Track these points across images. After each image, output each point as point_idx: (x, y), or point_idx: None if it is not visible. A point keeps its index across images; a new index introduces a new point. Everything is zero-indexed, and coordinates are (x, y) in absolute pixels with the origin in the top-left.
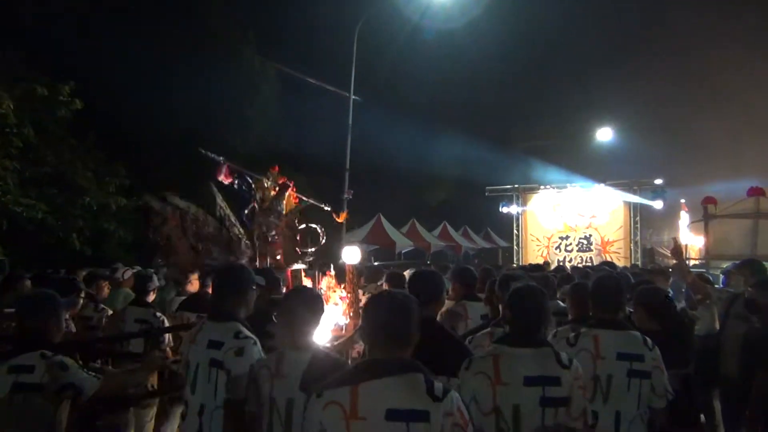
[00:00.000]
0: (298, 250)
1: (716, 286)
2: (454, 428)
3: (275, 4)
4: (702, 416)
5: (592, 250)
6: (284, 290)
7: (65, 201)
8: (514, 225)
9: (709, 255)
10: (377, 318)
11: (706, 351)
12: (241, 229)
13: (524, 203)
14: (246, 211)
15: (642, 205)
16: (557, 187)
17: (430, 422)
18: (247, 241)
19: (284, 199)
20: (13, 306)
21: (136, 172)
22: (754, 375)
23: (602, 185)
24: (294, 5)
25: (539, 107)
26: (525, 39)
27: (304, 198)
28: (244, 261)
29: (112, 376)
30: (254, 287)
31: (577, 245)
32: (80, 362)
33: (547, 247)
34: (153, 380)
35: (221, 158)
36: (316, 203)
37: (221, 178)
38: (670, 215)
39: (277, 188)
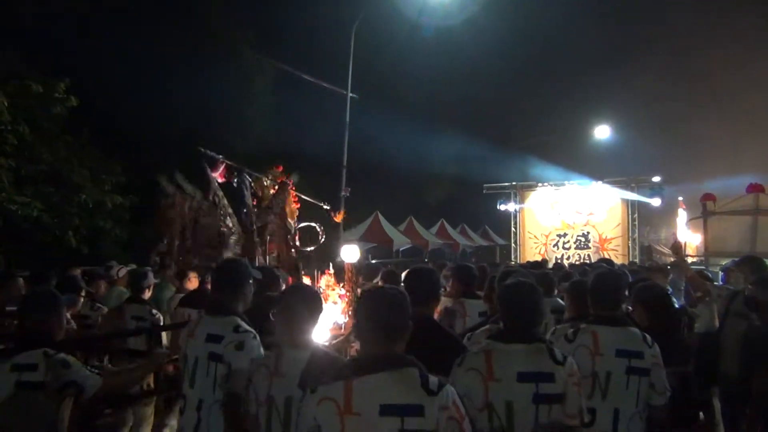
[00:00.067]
0: (293, 250)
1: (715, 283)
2: (450, 422)
3: (273, 2)
4: (701, 414)
5: (590, 248)
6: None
7: (61, 199)
8: (512, 222)
9: (708, 252)
10: (370, 313)
11: (705, 349)
12: (233, 224)
13: (522, 201)
14: (245, 210)
15: (640, 203)
16: (555, 185)
17: (424, 416)
18: (235, 236)
19: (283, 197)
20: (6, 305)
21: (136, 171)
22: (753, 374)
23: (600, 183)
24: (292, 4)
25: (537, 105)
26: (523, 36)
27: (303, 197)
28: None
29: (114, 374)
30: (251, 281)
31: (574, 243)
32: (81, 360)
33: (545, 244)
34: (149, 379)
35: (220, 156)
36: (315, 202)
37: (217, 175)
38: (667, 213)
39: (276, 187)
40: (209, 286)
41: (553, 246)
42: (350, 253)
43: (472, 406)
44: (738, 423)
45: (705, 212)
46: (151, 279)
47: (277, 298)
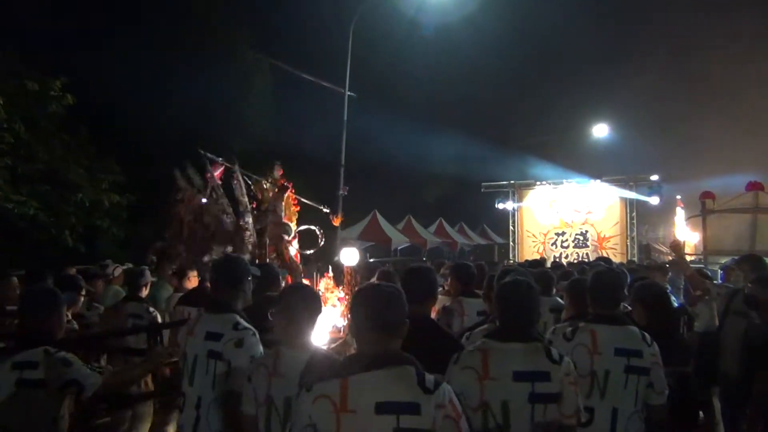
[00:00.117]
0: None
1: (715, 282)
2: (446, 420)
3: (272, 1)
4: (701, 414)
5: (588, 246)
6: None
7: (57, 198)
8: (510, 221)
9: (707, 250)
10: (365, 310)
11: (705, 348)
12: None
13: (520, 199)
14: (242, 211)
15: (638, 201)
16: (553, 183)
17: (421, 414)
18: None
19: (283, 200)
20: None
21: (133, 170)
22: (754, 373)
23: (598, 181)
24: (290, 3)
25: (536, 103)
26: (521, 35)
27: (303, 200)
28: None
29: (114, 373)
30: (250, 278)
31: (573, 241)
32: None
33: (543, 243)
34: (148, 385)
35: (220, 159)
36: (314, 205)
37: (216, 176)
38: (665, 211)
39: (276, 190)
40: (209, 285)
41: (552, 245)
42: (350, 256)
43: (467, 406)
44: (738, 423)
45: (704, 210)
46: (148, 277)
47: (276, 298)
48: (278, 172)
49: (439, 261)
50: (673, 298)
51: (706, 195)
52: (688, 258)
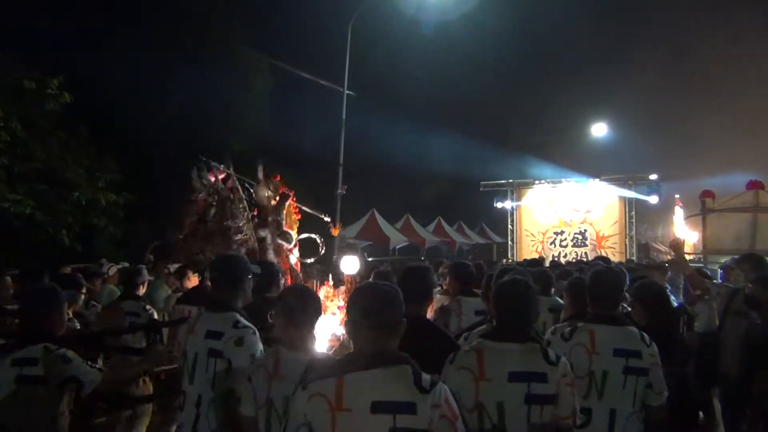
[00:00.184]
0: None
1: (715, 281)
2: (441, 420)
3: (271, 0)
4: (701, 415)
5: (587, 245)
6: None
7: (54, 196)
8: (509, 220)
9: (707, 250)
10: (362, 308)
11: (705, 348)
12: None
13: (519, 198)
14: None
15: (637, 200)
16: (552, 182)
17: (417, 414)
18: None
19: (284, 209)
20: None
21: (132, 169)
22: (754, 373)
23: (597, 180)
24: (290, 1)
25: (535, 102)
26: (520, 34)
27: (304, 208)
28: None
29: (114, 370)
30: (250, 277)
31: (571, 240)
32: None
33: (542, 242)
34: (147, 387)
35: (221, 165)
36: (315, 213)
37: (211, 178)
38: (664, 210)
39: (277, 198)
40: (209, 283)
41: (550, 244)
42: (350, 264)
43: (462, 406)
44: (738, 423)
45: (704, 209)
46: (146, 276)
47: (275, 300)
48: (276, 179)
49: (437, 260)
50: (672, 297)
51: (706, 194)
52: (688, 257)
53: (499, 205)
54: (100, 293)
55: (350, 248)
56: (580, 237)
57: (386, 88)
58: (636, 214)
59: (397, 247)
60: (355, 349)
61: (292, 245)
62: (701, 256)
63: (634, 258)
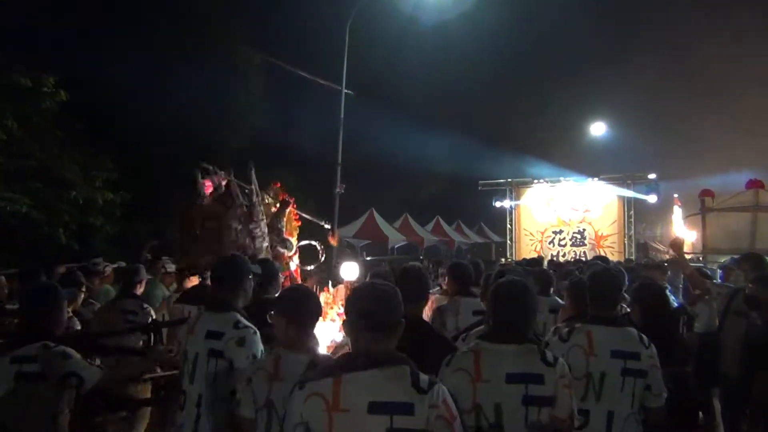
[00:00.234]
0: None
1: (714, 281)
2: (438, 421)
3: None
4: (701, 415)
5: (585, 245)
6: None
7: (50, 195)
8: (508, 219)
9: (706, 249)
10: (360, 308)
11: (705, 349)
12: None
13: (517, 197)
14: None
15: (635, 200)
16: (551, 182)
17: (414, 415)
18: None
19: (285, 216)
20: None
21: (130, 168)
22: (754, 374)
23: (596, 179)
24: (288, 1)
25: (533, 101)
26: (519, 33)
27: (304, 215)
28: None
29: (114, 369)
30: (251, 276)
31: (570, 240)
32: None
33: (541, 241)
34: (146, 391)
35: (222, 173)
36: (315, 220)
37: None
38: (663, 209)
39: (278, 205)
40: (209, 283)
41: (549, 243)
42: (349, 271)
43: (460, 408)
44: (738, 424)
45: (703, 208)
46: (143, 274)
47: (274, 300)
48: (276, 185)
49: (437, 259)
50: (672, 297)
51: (706, 193)
52: (687, 257)
53: (497, 204)
54: (97, 292)
55: (349, 248)
56: (578, 236)
57: (385, 87)
58: (635, 214)
59: (396, 246)
60: (353, 350)
61: (292, 252)
62: (700, 255)
63: (633, 257)
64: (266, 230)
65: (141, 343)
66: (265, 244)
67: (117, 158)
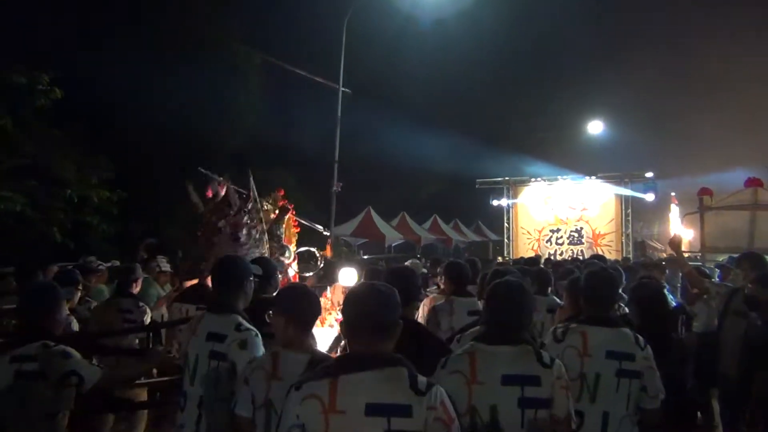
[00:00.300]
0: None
1: (713, 280)
2: (436, 422)
3: None
4: (699, 415)
5: (583, 243)
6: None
7: (45, 193)
8: (505, 218)
9: (704, 248)
10: (358, 309)
11: (704, 349)
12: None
13: (515, 196)
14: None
15: (633, 198)
16: (548, 180)
17: (412, 417)
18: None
19: (284, 223)
20: None
21: (126, 167)
22: (753, 374)
23: (593, 178)
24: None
25: (531, 100)
26: (516, 32)
27: (302, 221)
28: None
29: (114, 369)
30: (251, 278)
31: (568, 238)
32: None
33: (538, 240)
34: (142, 394)
35: (221, 179)
36: (313, 226)
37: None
38: (660, 208)
39: (277, 212)
40: (208, 282)
41: (546, 242)
42: (348, 276)
43: (455, 410)
44: (737, 424)
45: (702, 207)
46: (140, 273)
47: (273, 300)
48: (279, 194)
49: (435, 258)
50: (670, 297)
51: (704, 191)
52: (685, 255)
53: (495, 202)
54: (93, 291)
55: (346, 246)
56: (576, 235)
57: (382, 85)
58: (632, 212)
59: (393, 244)
60: (351, 351)
61: (291, 259)
62: (698, 254)
63: (630, 256)
64: (260, 237)
65: (137, 341)
66: (258, 251)
67: (116, 157)
